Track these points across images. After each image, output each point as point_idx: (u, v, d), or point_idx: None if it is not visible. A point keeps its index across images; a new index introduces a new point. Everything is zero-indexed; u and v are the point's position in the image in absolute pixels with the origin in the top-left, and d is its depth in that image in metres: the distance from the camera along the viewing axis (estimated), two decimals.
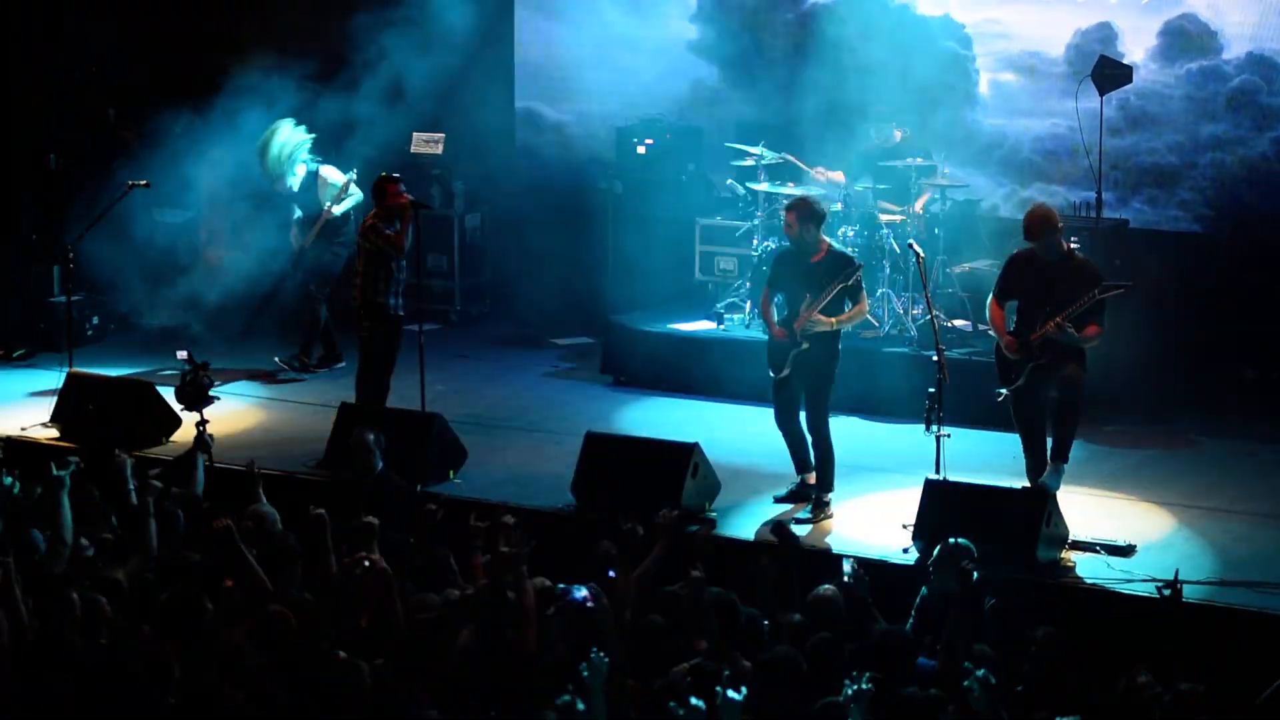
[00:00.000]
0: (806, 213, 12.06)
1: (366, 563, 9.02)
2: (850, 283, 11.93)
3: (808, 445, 12.18)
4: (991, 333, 12.18)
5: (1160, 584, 9.77)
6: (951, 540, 10.11)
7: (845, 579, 9.60)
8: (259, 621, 8.69)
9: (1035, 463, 11.91)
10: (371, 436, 11.80)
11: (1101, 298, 11.58)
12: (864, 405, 14.07)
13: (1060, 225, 11.88)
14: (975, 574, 9.50)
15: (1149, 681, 8.22)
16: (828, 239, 12.27)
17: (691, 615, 8.81)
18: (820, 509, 12.04)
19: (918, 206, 14.77)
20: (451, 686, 8.22)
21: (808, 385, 12.07)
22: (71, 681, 8.04)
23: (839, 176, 15.14)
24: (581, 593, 8.22)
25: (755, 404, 14.20)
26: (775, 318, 12.21)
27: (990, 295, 12.22)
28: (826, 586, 9.43)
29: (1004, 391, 11.91)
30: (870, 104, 15.14)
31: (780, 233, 15.15)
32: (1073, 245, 12.41)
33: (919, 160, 14.79)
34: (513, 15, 17.74)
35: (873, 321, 14.49)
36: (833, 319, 11.96)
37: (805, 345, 11.97)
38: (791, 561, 9.84)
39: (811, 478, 12.22)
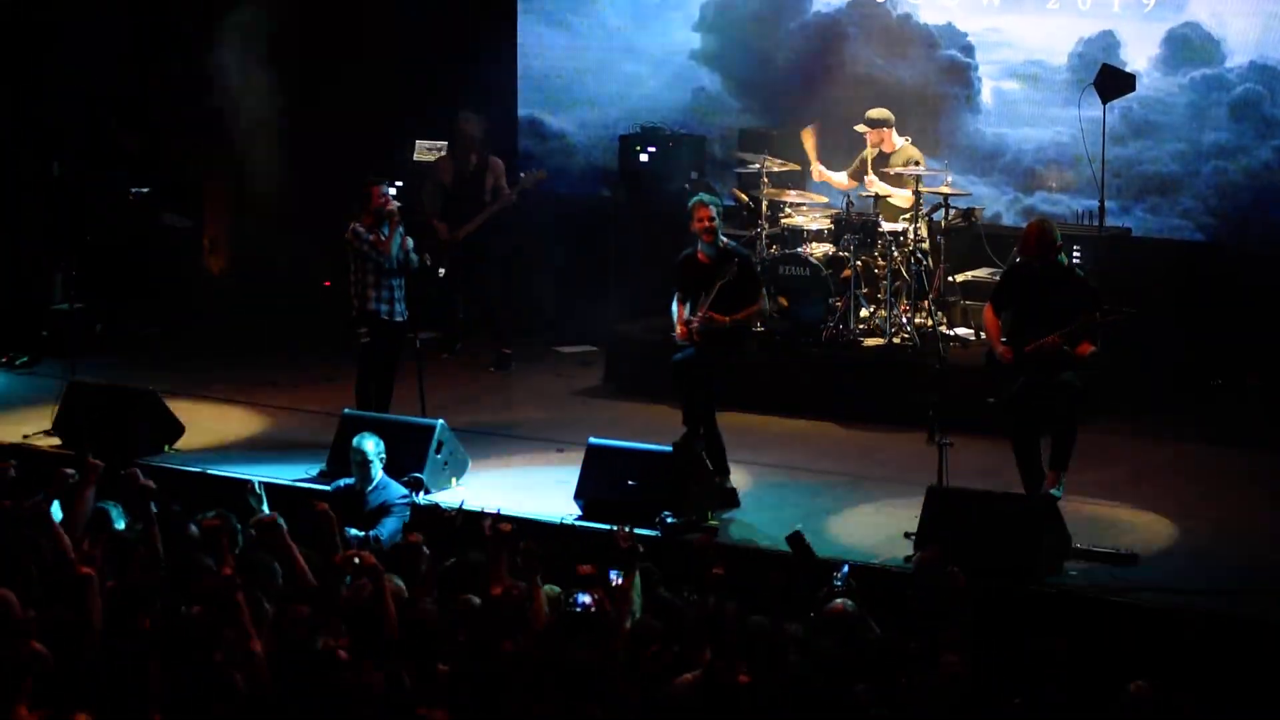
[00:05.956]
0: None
1: (356, 559, 8.99)
2: (728, 278, 12.17)
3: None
4: (986, 339, 12.18)
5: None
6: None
7: (836, 585, 9.60)
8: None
9: (1029, 474, 11.89)
10: (371, 445, 11.82)
11: (1102, 321, 11.57)
12: (866, 413, 14.08)
13: (1059, 243, 11.86)
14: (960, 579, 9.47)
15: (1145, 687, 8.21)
16: (724, 239, 12.66)
17: (697, 626, 8.80)
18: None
19: (919, 215, 14.76)
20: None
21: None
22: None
23: (842, 183, 15.14)
24: (584, 598, 8.19)
25: (757, 412, 14.21)
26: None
27: (986, 302, 12.23)
28: (840, 599, 9.43)
29: (993, 400, 11.92)
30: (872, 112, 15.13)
31: (782, 240, 15.22)
32: (1074, 260, 12.39)
33: (921, 168, 14.79)
34: (515, 23, 17.74)
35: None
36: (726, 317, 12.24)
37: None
38: (802, 571, 9.84)
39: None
